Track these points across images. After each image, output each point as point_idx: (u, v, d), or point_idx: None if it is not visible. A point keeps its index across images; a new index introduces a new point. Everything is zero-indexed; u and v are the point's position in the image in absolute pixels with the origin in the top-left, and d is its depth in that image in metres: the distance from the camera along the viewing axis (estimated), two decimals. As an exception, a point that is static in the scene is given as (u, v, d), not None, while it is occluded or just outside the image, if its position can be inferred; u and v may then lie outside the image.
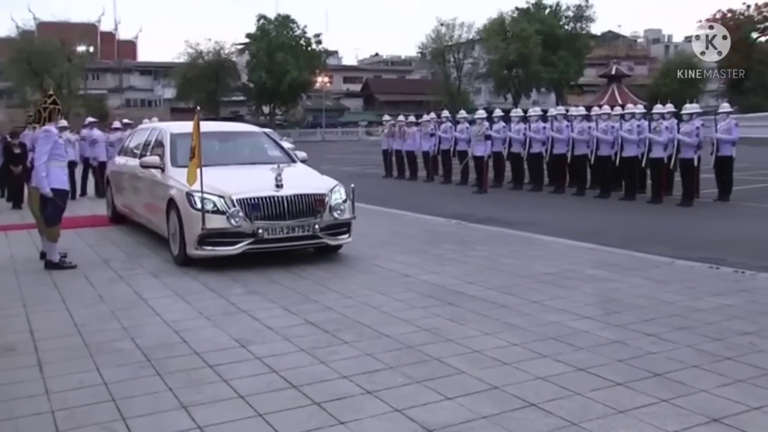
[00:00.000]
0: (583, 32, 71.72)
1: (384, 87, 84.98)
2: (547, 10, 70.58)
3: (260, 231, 8.93)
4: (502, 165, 21.16)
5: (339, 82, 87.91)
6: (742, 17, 55.89)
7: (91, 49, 71.36)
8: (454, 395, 4.79)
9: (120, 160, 13.55)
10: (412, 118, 25.66)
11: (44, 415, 4.54)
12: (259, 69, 67.78)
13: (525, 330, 6.30)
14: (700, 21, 59.69)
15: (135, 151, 12.53)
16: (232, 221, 8.82)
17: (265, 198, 9.05)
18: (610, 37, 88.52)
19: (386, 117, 27.68)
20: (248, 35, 70.25)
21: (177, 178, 9.64)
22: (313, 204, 9.30)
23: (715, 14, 57.62)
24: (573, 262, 9.25)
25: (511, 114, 21.64)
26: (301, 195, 9.26)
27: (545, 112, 21.13)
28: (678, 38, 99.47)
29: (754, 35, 55.90)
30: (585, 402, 4.68)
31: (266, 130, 12.10)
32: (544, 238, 11.29)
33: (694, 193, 16.58)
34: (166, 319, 6.76)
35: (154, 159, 10.60)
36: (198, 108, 9.27)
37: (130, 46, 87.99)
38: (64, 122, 15.30)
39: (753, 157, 24.91)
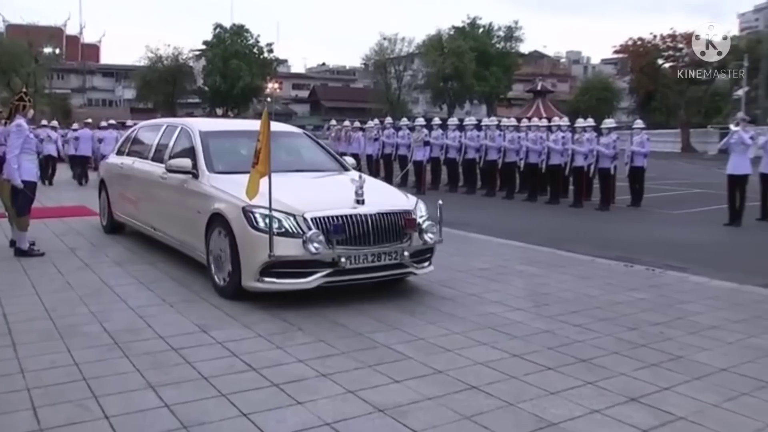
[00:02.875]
0: (513, 51, 72.21)
1: (330, 94, 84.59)
2: (481, 30, 70.90)
3: (342, 259, 6.53)
4: (439, 169, 21.24)
5: (288, 88, 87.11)
6: (649, 45, 56.90)
7: (57, 51, 69.55)
8: (402, 378, 4.80)
9: (119, 160, 10.74)
10: (357, 124, 25.66)
11: (21, 392, 4.45)
12: (214, 74, 66.83)
13: (465, 320, 6.33)
14: (615, 46, 60.73)
15: (144, 151, 9.89)
16: (311, 247, 6.35)
17: (347, 217, 6.67)
18: (537, 56, 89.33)
19: (333, 122, 27.71)
20: (205, 42, 69.16)
21: (222, 187, 7.27)
22: (402, 225, 6.96)
23: (627, 41, 58.60)
24: (505, 259, 9.33)
25: (448, 123, 21.82)
26: (388, 213, 6.91)
27: (479, 122, 21.31)
28: (596, 60, 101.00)
29: (660, 61, 57.00)
30: (520, 385, 4.73)
31: (302, 130, 9.99)
32: (479, 236, 11.35)
33: (610, 199, 16.91)
34: (131, 305, 6.65)
35: (184, 162, 7.93)
36: (269, 99, 7.31)
37: (94, 49, 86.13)
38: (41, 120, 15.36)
39: (659, 168, 25.41)
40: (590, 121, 18.26)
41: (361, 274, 6.77)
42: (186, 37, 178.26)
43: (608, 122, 17.58)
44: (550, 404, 4.41)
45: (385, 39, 71.43)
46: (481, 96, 70.14)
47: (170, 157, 8.46)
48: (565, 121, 19.03)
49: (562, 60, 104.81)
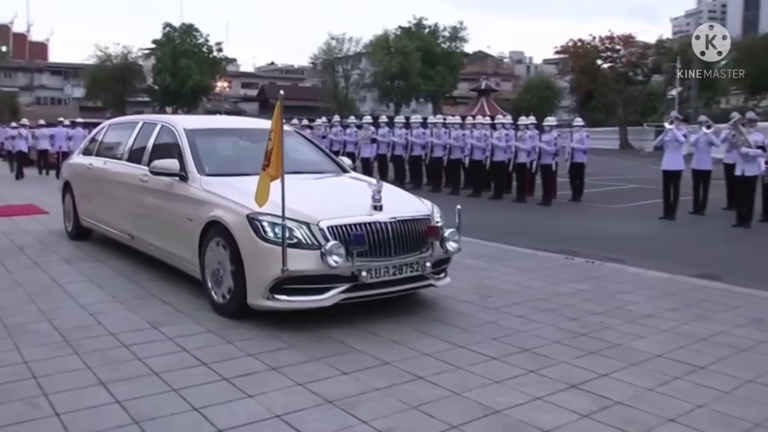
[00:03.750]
0: (458, 51, 72.60)
1: (278, 93, 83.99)
2: (427, 30, 71.17)
3: (363, 273, 5.71)
4: (386, 166, 21.30)
5: (237, 87, 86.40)
6: (589, 46, 57.80)
7: (4, 48, 68.21)
8: (350, 370, 4.80)
9: (86, 160, 9.60)
10: (305, 122, 25.53)
11: (-32, 391, 4.32)
12: (163, 72, 65.89)
13: (413, 313, 6.36)
14: (556, 47, 61.52)
15: (116, 150, 8.87)
16: (331, 260, 5.50)
17: (366, 226, 5.83)
18: (481, 56, 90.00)
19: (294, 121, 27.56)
20: (154, 41, 68.11)
21: (219, 192, 6.35)
22: (423, 233, 6.21)
23: (568, 43, 59.45)
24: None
25: (395, 120, 21.88)
26: (409, 220, 6.13)
27: (425, 119, 21.42)
28: (538, 60, 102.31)
29: (599, 62, 57.94)
30: (466, 374, 4.77)
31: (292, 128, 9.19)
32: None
33: (552, 194, 17.14)
34: (81, 302, 6.49)
35: (171, 164, 6.95)
36: (281, 93, 6.38)
37: (42, 47, 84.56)
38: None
39: (598, 165, 25.80)
40: (532, 119, 18.51)
41: (381, 289, 5.96)
42: (135, 35, 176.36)
43: (549, 120, 17.79)
44: (495, 393, 4.45)
45: (333, 39, 71.23)
46: (427, 94, 70.43)
47: (151, 158, 7.52)
48: (508, 119, 19.27)
49: (506, 60, 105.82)
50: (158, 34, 68.47)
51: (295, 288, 5.67)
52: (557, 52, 62.65)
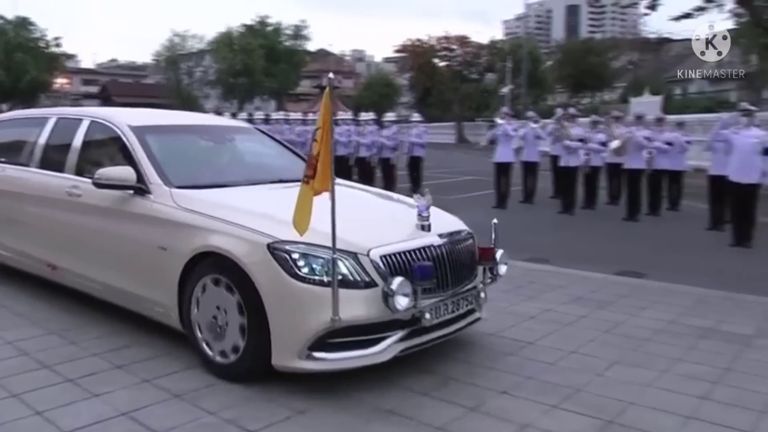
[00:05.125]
0: (300, 48, 72.44)
1: (121, 90, 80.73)
2: (270, 28, 70.59)
3: (427, 315, 4.42)
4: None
5: (78, 83, 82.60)
6: (426, 46, 59.31)
7: None
8: (196, 365, 4.72)
9: None
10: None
11: None
12: (-4, 67, 62.22)
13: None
14: (396, 46, 62.67)
15: (18, 154, 6.77)
16: (398, 303, 4.19)
17: (421, 252, 4.55)
18: (323, 54, 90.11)
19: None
20: (-16, 35, 64.19)
21: (207, 211, 4.71)
22: (473, 255, 5.10)
23: (407, 42, 60.73)
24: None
25: (238, 117, 21.59)
26: (461, 241, 5.04)
27: (268, 116, 21.33)
28: (378, 58, 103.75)
29: (436, 61, 59.51)
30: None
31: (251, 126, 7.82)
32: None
33: (392, 187, 17.44)
34: None
35: (124, 173, 5.16)
36: (331, 76, 4.42)
37: None
38: None
39: (436, 158, 26.48)
40: (371, 115, 18.81)
41: (439, 331, 4.69)
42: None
43: (389, 116, 18.18)
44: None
45: (176, 35, 69.38)
46: (270, 91, 69.86)
47: (82, 165, 5.87)
48: (348, 115, 19.43)
49: (347, 58, 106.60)
50: (-12, 27, 64.30)
51: (339, 342, 4.22)
52: (397, 51, 63.81)
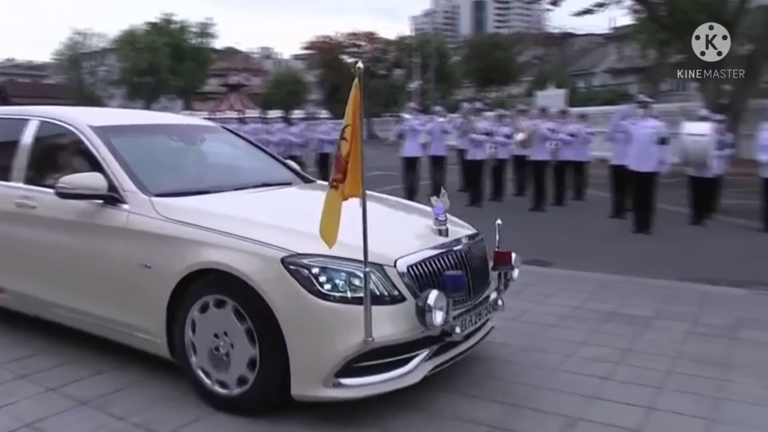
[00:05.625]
0: (207, 47, 71.44)
1: (20, 90, 77.59)
2: (174, 26, 69.34)
3: (457, 329, 3.98)
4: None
5: (-29, 84, 79.60)
6: (334, 42, 59.49)
7: None
8: (104, 369, 4.61)
9: None
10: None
11: None
12: None
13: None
14: (304, 43, 62.59)
15: None
16: (435, 318, 3.75)
17: (448, 258, 4.19)
18: (231, 51, 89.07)
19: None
20: None
21: (200, 222, 4.15)
22: (486, 261, 4.70)
23: (315, 38, 60.82)
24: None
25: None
26: (477, 245, 4.70)
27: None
28: (286, 55, 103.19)
29: (344, 57, 59.68)
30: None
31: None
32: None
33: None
34: None
35: (93, 180, 4.52)
36: (360, 65, 3.75)
37: None
38: None
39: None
40: (279, 113, 18.75)
41: (464, 345, 4.33)
42: None
43: (297, 113, 18.12)
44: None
45: (77, 33, 67.48)
46: (177, 90, 68.64)
47: (33, 171, 5.17)
48: (255, 113, 19.30)
49: (255, 55, 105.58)
50: None
51: (364, 366, 3.76)
52: (305, 48, 63.71)
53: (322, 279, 3.69)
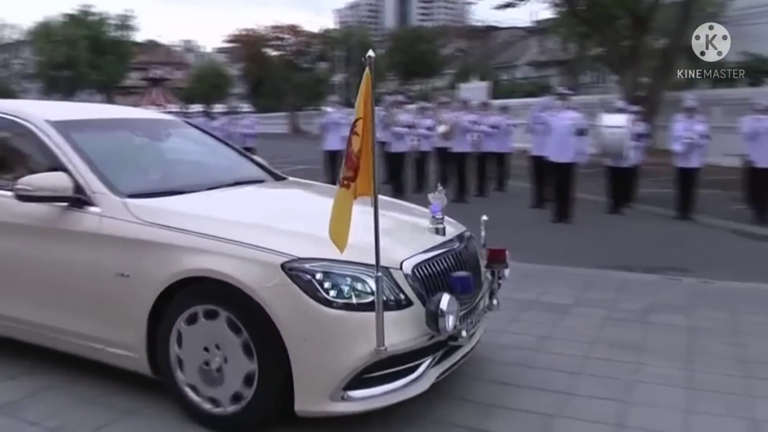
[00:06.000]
0: (127, 39, 69.91)
1: (-75, 85, 75.36)
2: (93, 17, 67.59)
3: (464, 333, 3.78)
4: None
5: None
6: (257, 35, 59.02)
7: None
8: (17, 374, 4.44)
9: None
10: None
11: None
12: None
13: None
14: (227, 36, 61.86)
15: None
16: (448, 324, 3.54)
17: (450, 258, 4.01)
18: (152, 45, 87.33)
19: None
20: None
21: (183, 225, 3.81)
22: (478, 258, 4.47)
23: (238, 31, 60.26)
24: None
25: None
26: (471, 241, 4.57)
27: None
28: (209, 49, 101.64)
29: (268, 50, 59.27)
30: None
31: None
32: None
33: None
34: None
35: (57, 180, 4.11)
36: (371, 54, 3.30)
37: None
38: None
39: (270, 149, 26.26)
40: (199, 107, 18.50)
41: (465, 348, 4.07)
42: None
43: (218, 107, 17.89)
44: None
45: (-11, 25, 65.22)
46: (98, 85, 66.99)
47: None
48: (176, 108, 18.99)
49: (177, 48, 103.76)
50: None
51: (378, 375, 3.51)
52: (228, 41, 62.98)
53: (327, 285, 3.43)
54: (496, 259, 4.32)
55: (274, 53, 59.61)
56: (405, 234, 4.20)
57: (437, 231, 4.13)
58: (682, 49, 23.34)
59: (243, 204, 4.55)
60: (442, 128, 14.56)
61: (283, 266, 3.45)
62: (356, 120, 3.30)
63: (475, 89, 29.87)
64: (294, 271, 3.44)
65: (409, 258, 3.69)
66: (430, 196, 4.19)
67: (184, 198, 4.31)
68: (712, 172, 13.87)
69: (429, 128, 14.98)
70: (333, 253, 3.38)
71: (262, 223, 3.90)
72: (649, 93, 22.57)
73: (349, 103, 19.22)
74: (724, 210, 12.11)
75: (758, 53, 25.43)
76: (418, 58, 58.05)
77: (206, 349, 3.68)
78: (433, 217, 4.14)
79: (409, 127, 14.58)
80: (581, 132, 11.41)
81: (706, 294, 6.68)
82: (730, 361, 4.82)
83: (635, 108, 13.78)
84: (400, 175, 14.56)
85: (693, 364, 4.74)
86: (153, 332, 3.81)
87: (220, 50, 79.82)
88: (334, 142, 15.21)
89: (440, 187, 4.20)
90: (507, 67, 59.33)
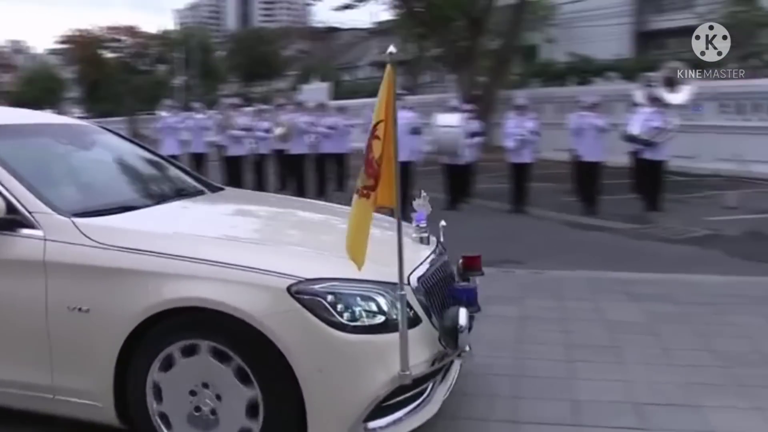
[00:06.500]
0: (-55, 41, 65.78)
1: None
2: None
3: (467, 347, 3.35)
4: None
5: None
6: (92, 36, 56.93)
7: None
8: None
9: None
10: None
11: None
12: None
13: None
14: (60, 37, 59.13)
15: None
16: (467, 338, 3.32)
17: (446, 270, 3.92)
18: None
19: None
20: None
21: (154, 248, 3.24)
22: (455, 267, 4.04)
23: (72, 32, 57.83)
24: None
25: None
26: (444, 253, 4.16)
27: None
28: (40, 50, 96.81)
29: (104, 52, 57.21)
30: None
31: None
32: None
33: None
34: None
35: None
36: (392, 50, 3.03)
37: None
38: None
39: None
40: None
41: (459, 361, 3.72)
42: None
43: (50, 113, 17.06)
44: None
45: None
46: None
47: None
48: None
49: (5, 49, 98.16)
50: None
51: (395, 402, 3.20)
52: (61, 42, 60.31)
53: (340, 308, 3.06)
54: (472, 266, 3.94)
55: (110, 55, 57.49)
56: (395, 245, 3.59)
57: (422, 240, 3.92)
58: (515, 49, 24.29)
59: (208, 220, 4.12)
60: (278, 130, 14.45)
61: (289, 290, 3.05)
62: (377, 123, 2.95)
63: (315, 90, 29.80)
64: (302, 294, 3.05)
65: (413, 271, 3.43)
66: (415, 203, 3.93)
67: (139, 214, 3.77)
68: (544, 167, 14.42)
69: (266, 131, 14.82)
70: (337, 271, 3.13)
71: (248, 241, 3.57)
72: (485, 92, 23.29)
73: (187, 107, 18.73)
74: (555, 202, 12.66)
75: (585, 54, 26.86)
76: (260, 60, 57.59)
77: (193, 393, 3.19)
78: (417, 225, 3.93)
79: (246, 130, 14.37)
80: (416, 131, 11.58)
81: (538, 284, 6.93)
82: (558, 347, 5.00)
83: (469, 107, 14.12)
84: (239, 179, 14.30)
85: (521, 353, 4.89)
86: (121, 376, 3.24)
87: (53, 52, 76.21)
88: (171, 146, 14.86)
89: (424, 194, 3.93)
90: (350, 67, 59.86)
